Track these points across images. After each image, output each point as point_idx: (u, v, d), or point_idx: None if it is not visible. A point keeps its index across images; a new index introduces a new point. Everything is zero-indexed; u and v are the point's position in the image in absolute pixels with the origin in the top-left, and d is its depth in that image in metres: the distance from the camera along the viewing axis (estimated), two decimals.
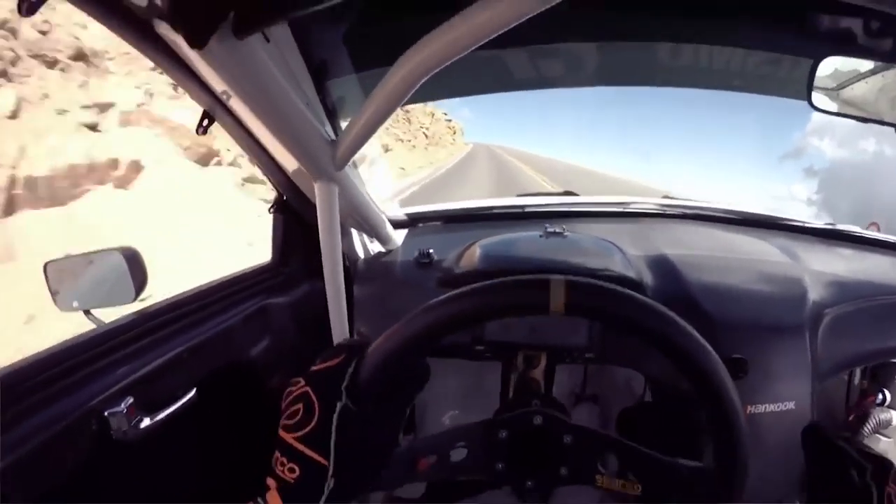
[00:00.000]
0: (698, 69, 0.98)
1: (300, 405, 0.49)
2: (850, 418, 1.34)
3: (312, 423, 0.48)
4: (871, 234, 1.53)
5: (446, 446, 0.61)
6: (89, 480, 0.64)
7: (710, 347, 0.53)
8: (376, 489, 0.58)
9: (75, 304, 0.79)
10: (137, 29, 0.57)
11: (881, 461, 0.56)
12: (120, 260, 0.78)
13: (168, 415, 0.71)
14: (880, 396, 1.28)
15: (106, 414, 0.64)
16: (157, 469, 0.74)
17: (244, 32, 0.48)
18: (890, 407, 1.28)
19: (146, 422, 0.68)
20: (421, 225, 1.31)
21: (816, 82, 0.93)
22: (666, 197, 1.89)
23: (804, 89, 0.92)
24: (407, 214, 1.30)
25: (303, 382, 0.50)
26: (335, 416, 0.49)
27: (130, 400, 0.66)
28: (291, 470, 0.47)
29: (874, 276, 1.19)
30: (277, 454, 0.49)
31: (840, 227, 1.49)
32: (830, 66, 0.94)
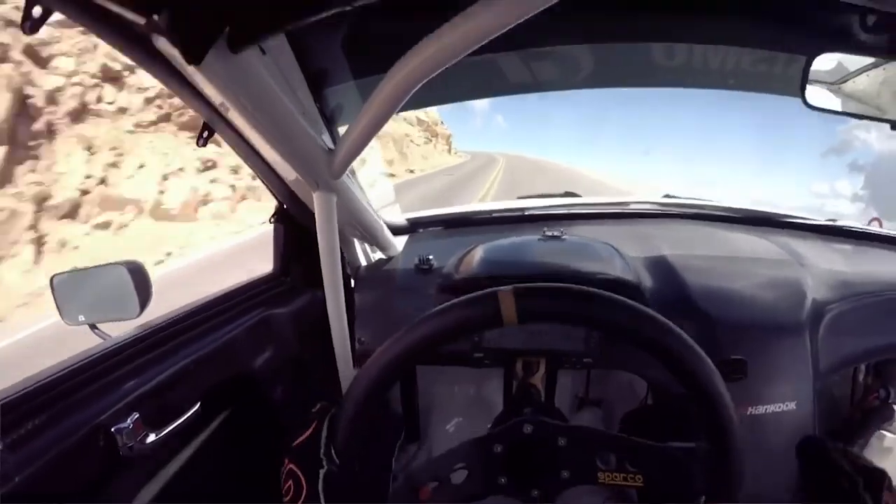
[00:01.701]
0: (693, 69, 0.98)
1: (290, 482, 0.53)
2: (855, 416, 1.34)
3: (303, 496, 0.52)
4: (874, 229, 1.52)
5: (446, 470, 0.62)
6: (97, 497, 0.64)
7: (669, 323, 0.54)
8: None
9: (81, 318, 0.80)
10: (136, 44, 0.58)
11: (873, 472, 0.57)
12: (125, 274, 0.79)
13: (174, 429, 0.72)
14: (883, 393, 1.28)
15: (113, 430, 0.64)
16: (164, 484, 0.74)
17: (239, 47, 0.49)
18: (894, 403, 1.27)
19: (152, 437, 0.68)
20: (421, 230, 1.32)
21: (810, 79, 0.93)
22: (667, 196, 1.88)
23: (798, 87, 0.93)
24: (407, 220, 1.31)
25: (287, 461, 0.55)
26: (320, 484, 0.52)
27: (136, 415, 0.67)
28: None
29: (876, 272, 1.19)
30: None
31: (841, 223, 1.48)
32: (824, 63, 0.93)
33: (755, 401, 0.89)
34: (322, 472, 0.53)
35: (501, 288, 0.53)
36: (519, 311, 0.53)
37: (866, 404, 1.31)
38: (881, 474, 0.56)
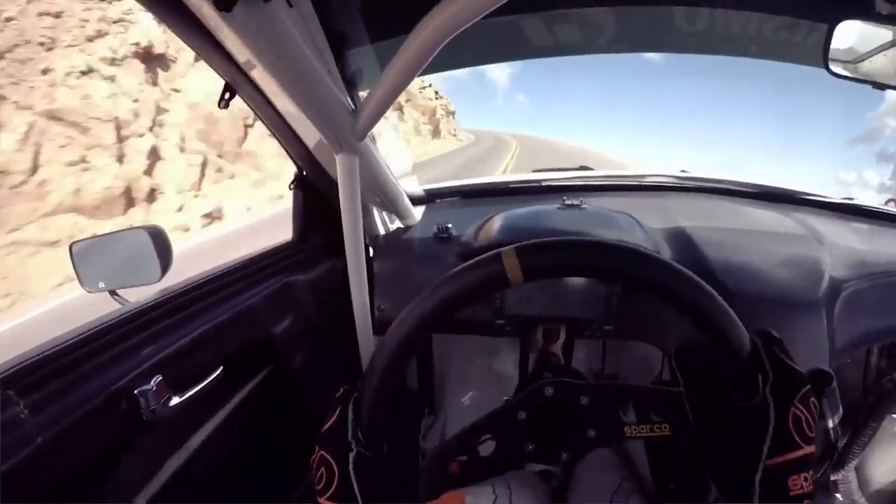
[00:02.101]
0: (714, 34, 0.97)
1: (322, 469, 0.53)
2: (867, 400, 1.34)
3: (335, 482, 0.52)
4: (891, 209, 1.52)
5: (473, 443, 0.62)
6: (120, 458, 0.64)
7: (682, 268, 0.54)
8: None
9: (101, 284, 0.79)
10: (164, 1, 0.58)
11: (791, 372, 0.52)
12: (146, 238, 0.79)
13: (196, 392, 0.72)
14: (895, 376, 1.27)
15: (136, 392, 0.64)
16: (186, 446, 0.75)
17: None
18: None
19: (175, 400, 0.68)
20: (439, 201, 1.31)
21: (833, 47, 0.92)
22: (683, 171, 1.87)
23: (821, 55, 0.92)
24: (425, 191, 1.30)
25: (317, 448, 0.54)
26: (351, 467, 0.52)
27: (160, 378, 0.67)
28: None
29: (890, 252, 1.18)
30: None
31: (858, 202, 1.47)
32: (848, 31, 0.92)
33: None
34: (352, 455, 0.53)
35: (504, 248, 0.53)
36: (524, 269, 0.52)
37: (879, 388, 1.31)
38: (802, 381, 0.51)
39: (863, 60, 1.03)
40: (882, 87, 1.04)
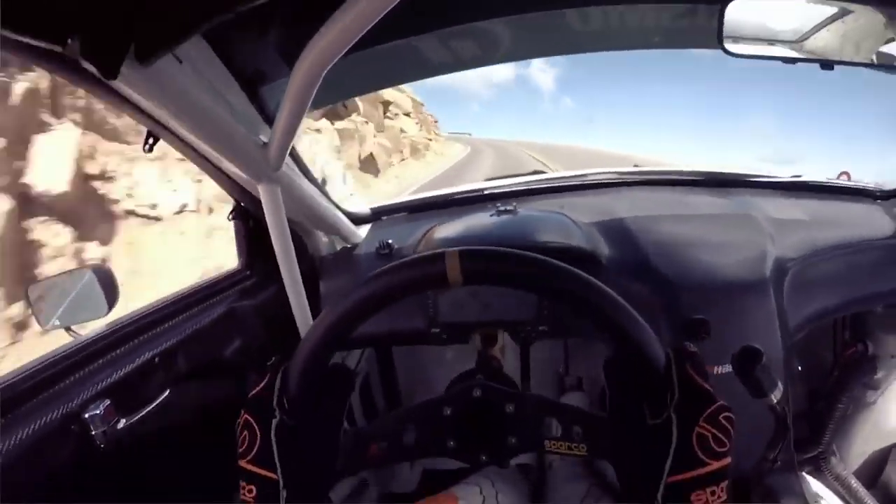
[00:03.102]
0: (612, 31, 1.02)
1: (245, 432, 0.56)
2: (835, 372, 1.32)
3: (257, 445, 0.55)
4: (840, 182, 1.52)
5: (396, 429, 0.63)
6: (72, 480, 0.68)
7: (611, 291, 0.55)
8: (329, 487, 0.60)
9: (56, 322, 0.85)
10: (67, 67, 0.63)
11: (701, 394, 0.51)
12: (91, 277, 0.85)
13: (143, 415, 0.76)
14: (861, 347, 1.28)
15: (86, 416, 0.68)
16: (136, 467, 0.79)
17: (149, 59, 0.52)
18: (873, 357, 1.27)
19: (123, 422, 0.73)
20: (384, 218, 1.36)
21: (726, 27, 0.95)
22: (636, 166, 1.90)
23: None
24: (371, 209, 1.35)
25: (243, 412, 0.57)
26: (272, 433, 0.55)
27: (108, 402, 0.71)
28: (250, 491, 0.54)
29: (841, 226, 1.19)
30: (241, 482, 0.55)
31: (806, 178, 1.48)
32: (740, 9, 0.96)
33: (721, 360, 0.88)
34: (275, 421, 0.55)
35: (448, 249, 0.55)
36: (464, 272, 0.54)
37: (845, 359, 1.31)
38: (708, 399, 0.51)
39: (806, 39, 1.07)
40: (781, 60, 1.08)
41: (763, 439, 0.83)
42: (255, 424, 0.55)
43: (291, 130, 0.74)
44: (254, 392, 0.58)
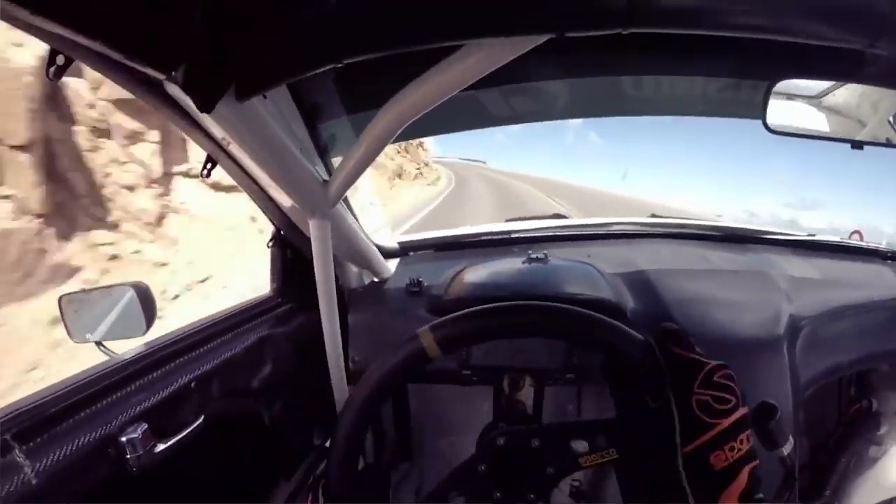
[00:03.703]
0: (662, 97, 1.05)
1: None
2: (839, 429, 1.35)
3: None
4: (853, 242, 1.56)
5: (442, 500, 0.65)
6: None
7: (574, 308, 0.60)
8: None
9: (89, 336, 0.83)
10: (151, 91, 0.65)
11: (690, 364, 0.56)
12: (132, 294, 0.84)
13: (178, 440, 0.75)
14: (867, 403, 1.30)
15: (123, 439, 0.67)
16: (170, 493, 0.78)
17: (246, 97, 0.54)
18: (877, 413, 1.30)
19: (160, 447, 0.72)
20: (412, 254, 1.37)
21: (773, 102, 0.98)
22: (653, 216, 1.93)
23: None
24: (399, 244, 1.35)
25: None
26: None
27: (145, 426, 0.70)
28: None
29: (852, 286, 1.22)
30: None
31: (821, 237, 1.52)
32: (786, 89, 0.99)
33: None
34: None
35: (421, 328, 0.61)
36: (440, 344, 0.60)
37: (850, 416, 1.34)
38: (697, 367, 0.54)
39: (801, 110, 1.10)
40: (820, 138, 1.11)
41: (771, 489, 0.84)
42: None
43: (359, 171, 0.75)
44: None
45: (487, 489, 0.65)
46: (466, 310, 0.62)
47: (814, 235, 1.55)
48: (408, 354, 0.61)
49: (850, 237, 1.75)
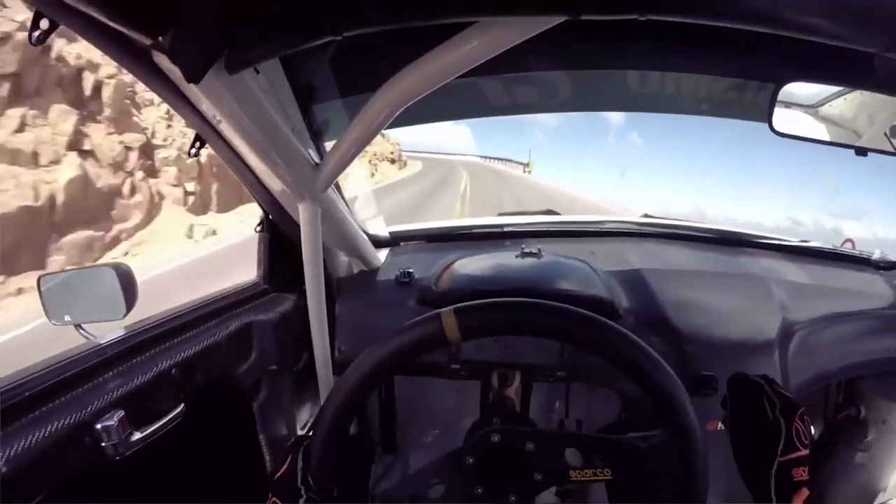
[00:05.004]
0: (666, 95, 1.03)
1: None
2: (825, 435, 1.35)
3: None
4: (846, 250, 1.56)
5: (422, 486, 0.64)
6: (80, 493, 0.65)
7: (611, 323, 0.58)
8: None
9: (67, 318, 0.80)
10: (137, 59, 0.61)
11: (790, 400, 0.67)
12: (113, 276, 0.81)
13: (157, 429, 0.73)
14: (854, 410, 1.30)
15: (98, 427, 0.65)
16: (146, 482, 0.76)
17: (237, 68, 0.51)
18: (864, 421, 1.30)
19: (136, 435, 0.69)
20: (403, 244, 1.34)
21: (777, 106, 0.97)
22: (645, 216, 1.92)
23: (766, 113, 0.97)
24: (390, 233, 1.33)
25: (270, 495, 0.58)
26: None
27: (122, 413, 0.68)
28: None
29: (845, 294, 1.22)
30: None
31: (814, 244, 1.51)
32: (792, 91, 0.98)
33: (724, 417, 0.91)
34: (301, 501, 0.56)
35: (444, 309, 0.57)
36: (461, 329, 0.56)
37: (838, 422, 1.34)
38: (796, 404, 0.66)
39: (806, 113, 1.09)
40: (825, 143, 1.09)
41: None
42: None
43: (352, 155, 0.72)
44: (279, 474, 0.59)
45: (471, 483, 0.63)
46: (497, 299, 0.58)
47: (807, 241, 1.55)
48: (426, 333, 0.57)
49: (842, 244, 1.76)
